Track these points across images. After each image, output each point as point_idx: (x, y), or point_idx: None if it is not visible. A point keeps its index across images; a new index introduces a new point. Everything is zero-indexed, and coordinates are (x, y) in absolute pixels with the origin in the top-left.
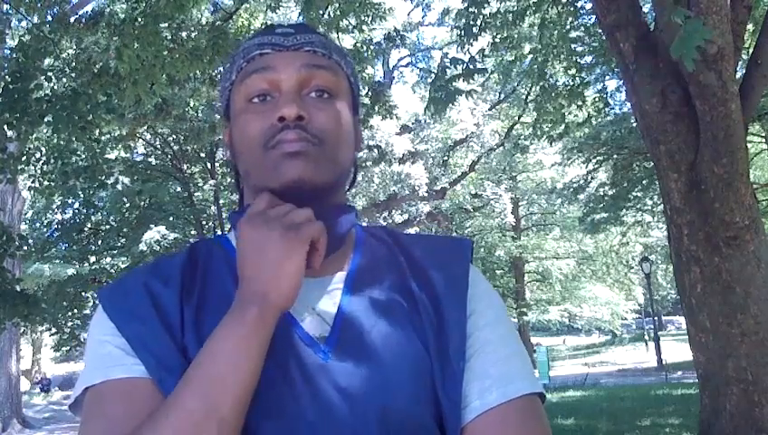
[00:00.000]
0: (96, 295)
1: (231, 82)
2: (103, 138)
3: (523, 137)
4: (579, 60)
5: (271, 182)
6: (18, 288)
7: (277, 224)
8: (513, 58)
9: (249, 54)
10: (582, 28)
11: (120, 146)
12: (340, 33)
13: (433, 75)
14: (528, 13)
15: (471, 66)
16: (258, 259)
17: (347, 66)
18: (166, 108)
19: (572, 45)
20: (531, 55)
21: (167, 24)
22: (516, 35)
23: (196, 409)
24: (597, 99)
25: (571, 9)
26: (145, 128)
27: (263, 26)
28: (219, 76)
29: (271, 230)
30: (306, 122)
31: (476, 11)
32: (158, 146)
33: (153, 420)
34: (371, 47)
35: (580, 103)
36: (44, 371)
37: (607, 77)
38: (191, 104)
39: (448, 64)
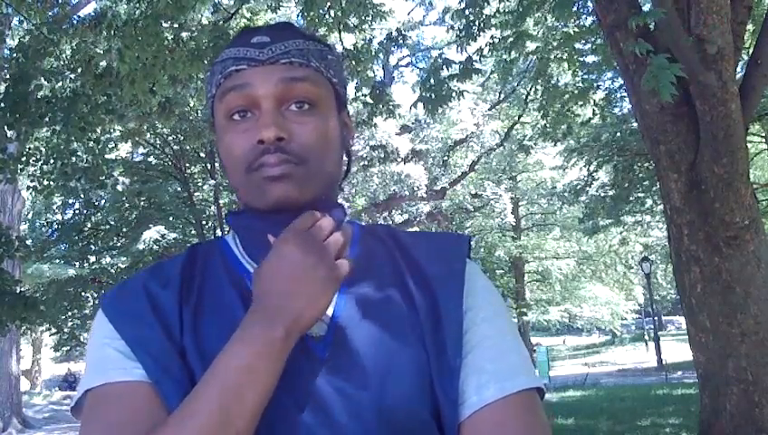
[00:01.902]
0: (96, 295)
1: (213, 95)
2: (103, 138)
3: (527, 138)
4: (580, 59)
5: (257, 203)
6: (18, 290)
7: (321, 253)
8: (515, 56)
9: (226, 70)
10: (584, 28)
11: (128, 141)
12: (341, 34)
13: (426, 74)
14: (530, 13)
15: (468, 67)
16: (295, 282)
17: (328, 68)
18: (169, 106)
19: (575, 45)
20: (532, 55)
21: (168, 25)
22: (518, 34)
23: (211, 420)
24: (602, 99)
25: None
26: (146, 127)
27: (241, 29)
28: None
29: (313, 258)
30: (287, 142)
31: (475, 10)
32: (158, 145)
33: (167, 428)
34: (372, 48)
35: (582, 103)
36: (69, 367)
37: (608, 74)
38: (191, 104)
39: (441, 64)
